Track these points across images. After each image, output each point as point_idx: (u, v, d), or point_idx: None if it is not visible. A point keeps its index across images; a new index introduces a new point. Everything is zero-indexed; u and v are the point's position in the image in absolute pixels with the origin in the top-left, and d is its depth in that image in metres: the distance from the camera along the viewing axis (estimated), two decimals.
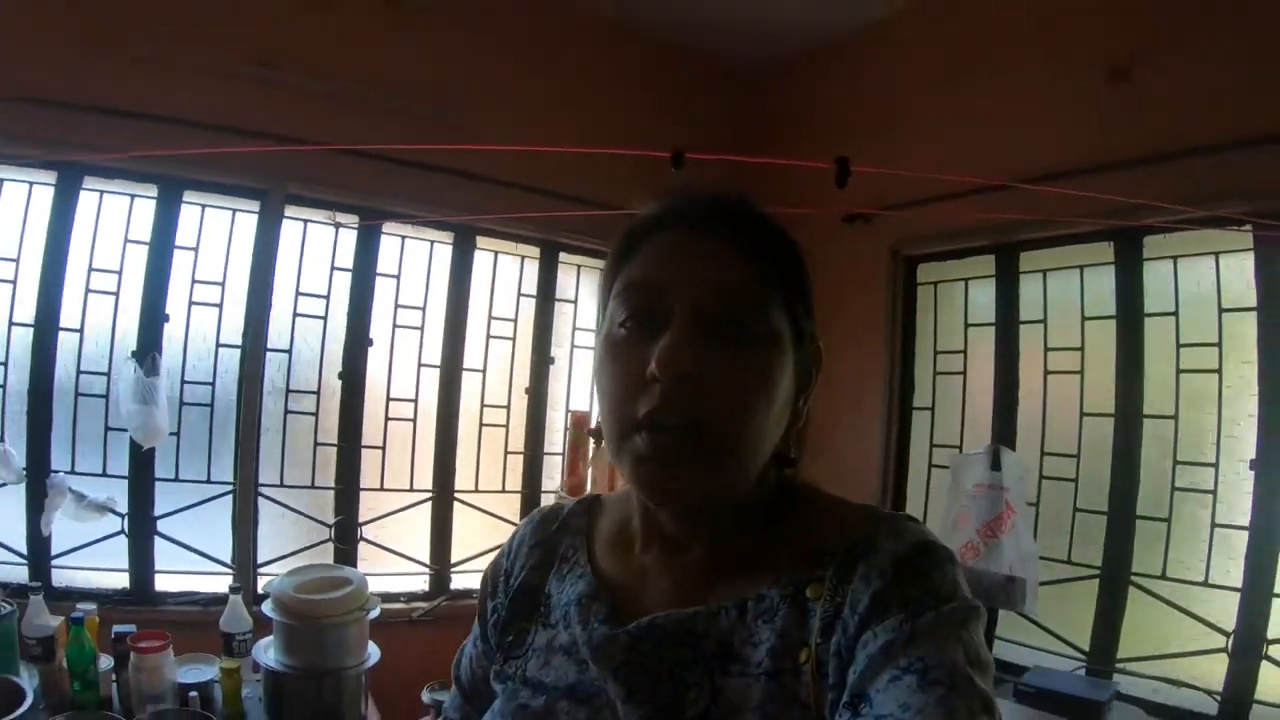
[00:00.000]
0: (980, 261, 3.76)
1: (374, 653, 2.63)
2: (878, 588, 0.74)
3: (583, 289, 4.30)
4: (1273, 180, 2.68)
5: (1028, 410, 3.55)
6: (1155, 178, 2.94)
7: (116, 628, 2.58)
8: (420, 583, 3.85)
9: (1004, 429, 3.57)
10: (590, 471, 3.59)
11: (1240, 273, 2.90)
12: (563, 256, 4.19)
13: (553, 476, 4.12)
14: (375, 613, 2.66)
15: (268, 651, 2.51)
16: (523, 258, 4.10)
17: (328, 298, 3.65)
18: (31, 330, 3.18)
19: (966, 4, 3.77)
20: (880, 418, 3.99)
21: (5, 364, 3.16)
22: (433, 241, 3.87)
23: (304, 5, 3.43)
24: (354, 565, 3.47)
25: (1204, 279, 3.01)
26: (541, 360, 4.14)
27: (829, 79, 4.38)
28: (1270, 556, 2.72)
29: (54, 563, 3.16)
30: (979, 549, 3.30)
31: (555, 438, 4.17)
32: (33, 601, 2.53)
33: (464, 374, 3.94)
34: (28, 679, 2.32)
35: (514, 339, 4.10)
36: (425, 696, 2.87)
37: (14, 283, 3.16)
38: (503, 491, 4.06)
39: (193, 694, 2.49)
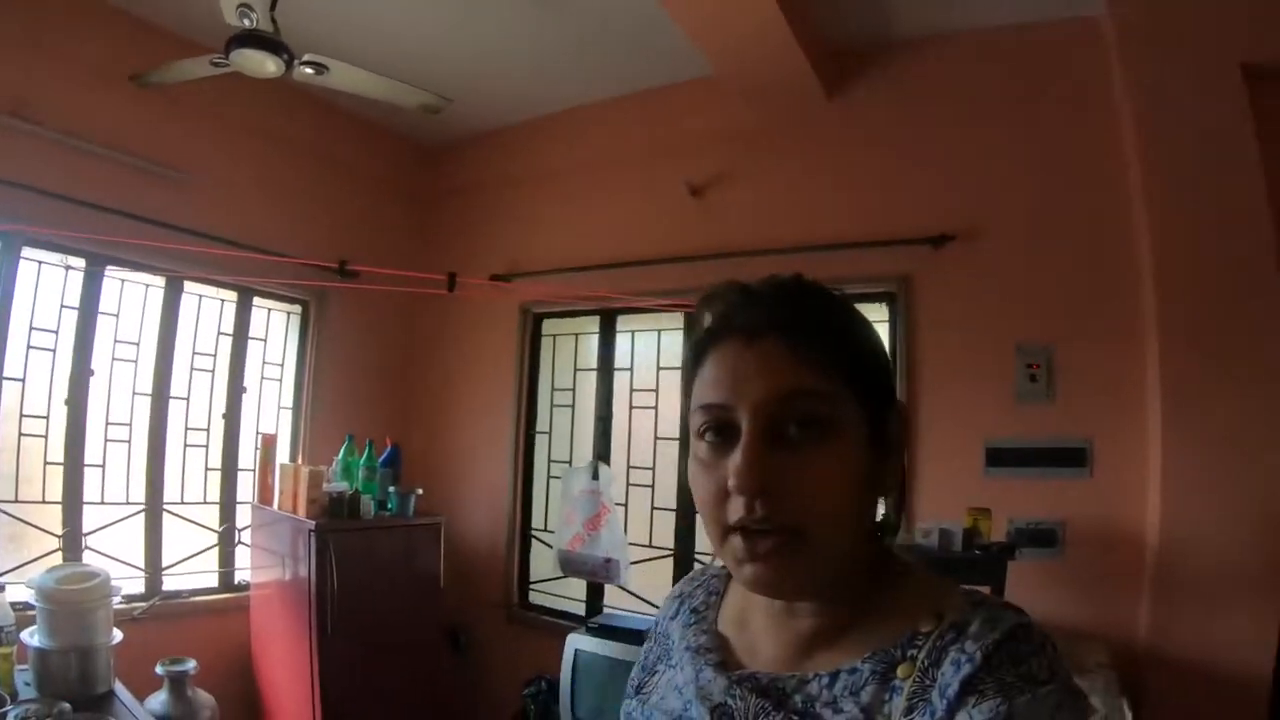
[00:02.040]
0: (588, 320, 4.85)
1: (118, 634, 3.07)
2: (968, 673, 0.73)
3: (272, 329, 4.93)
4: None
5: (618, 434, 4.67)
6: (714, 269, 4.09)
7: None
8: (138, 585, 4.20)
9: (601, 448, 4.66)
10: (277, 484, 4.20)
11: None
12: (256, 301, 4.78)
13: (246, 489, 4.67)
14: (118, 599, 3.16)
15: (34, 636, 2.87)
16: (222, 301, 4.65)
17: (57, 333, 4.07)
18: None
19: (587, 119, 4.87)
20: (509, 439, 4.98)
21: None
22: (148, 285, 4.35)
23: (52, 65, 3.84)
24: None
25: None
26: (236, 390, 4.70)
27: (492, 160, 5.33)
28: None
29: None
30: (584, 539, 4.34)
31: (247, 456, 4.72)
32: None
33: (171, 401, 4.42)
34: None
35: (213, 371, 4.62)
36: (159, 669, 3.30)
37: None
38: (204, 503, 4.57)
39: None
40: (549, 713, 4.17)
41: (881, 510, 0.92)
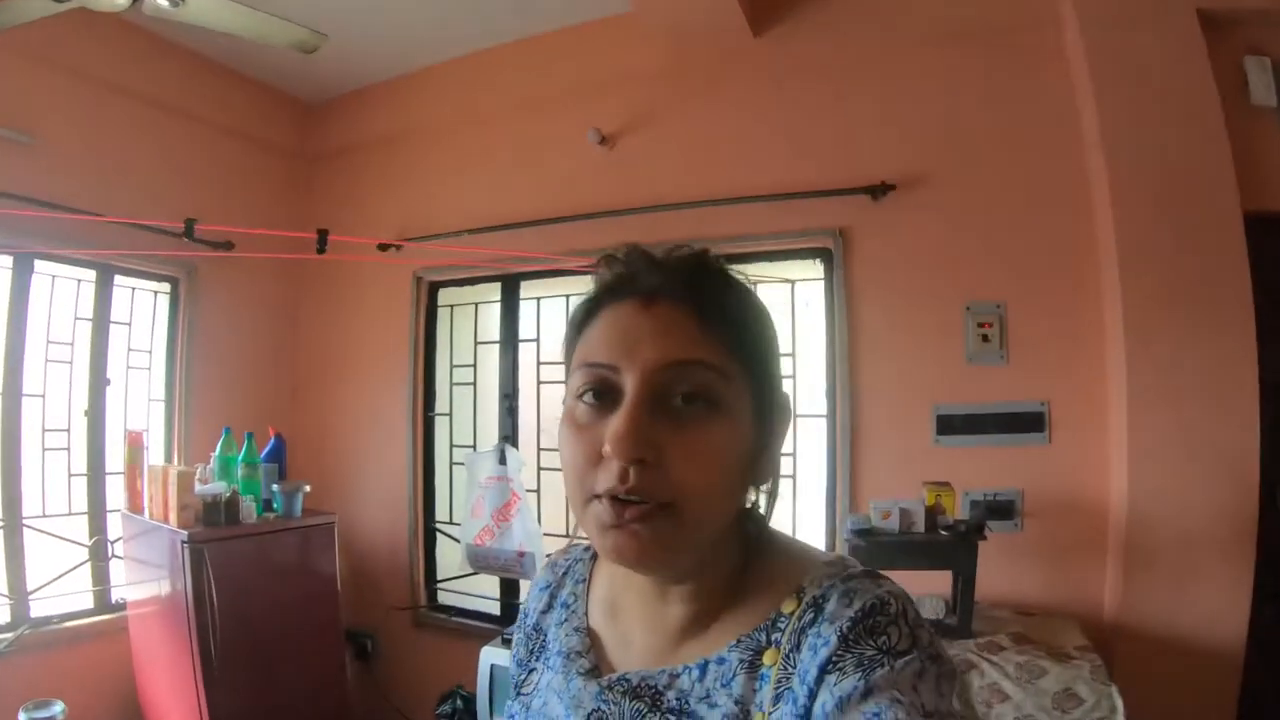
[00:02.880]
0: (489, 288, 4.44)
1: None
2: (824, 657, 0.74)
3: (138, 311, 4.32)
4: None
5: (526, 413, 4.29)
6: (627, 226, 3.82)
7: None
8: (2, 614, 3.63)
9: (508, 429, 4.28)
10: (147, 488, 3.67)
11: None
12: (118, 279, 4.18)
13: (117, 495, 4.04)
14: None
15: None
16: (79, 281, 4.03)
17: None
18: None
19: (482, 66, 4.42)
20: (406, 423, 4.54)
21: None
22: None
23: None
24: None
25: None
26: (99, 382, 4.11)
27: (378, 115, 4.82)
28: None
29: None
30: (494, 531, 3.95)
31: (116, 457, 4.08)
32: None
33: (25, 399, 3.80)
34: None
35: (71, 363, 4.01)
36: (22, 716, 2.94)
37: None
38: (70, 514, 3.96)
39: None
40: None
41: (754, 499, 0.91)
